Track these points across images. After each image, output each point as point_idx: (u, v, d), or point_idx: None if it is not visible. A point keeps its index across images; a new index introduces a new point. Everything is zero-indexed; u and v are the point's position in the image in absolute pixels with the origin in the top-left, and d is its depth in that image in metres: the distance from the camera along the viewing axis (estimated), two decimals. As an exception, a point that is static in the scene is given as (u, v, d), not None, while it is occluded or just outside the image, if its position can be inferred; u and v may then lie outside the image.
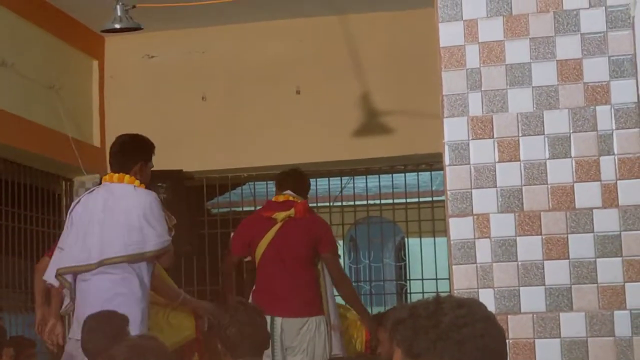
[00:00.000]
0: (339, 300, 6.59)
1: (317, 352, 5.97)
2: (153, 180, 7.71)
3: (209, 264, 8.50)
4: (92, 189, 5.45)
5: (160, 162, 7.85)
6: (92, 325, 4.68)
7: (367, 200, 8.93)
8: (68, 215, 5.23)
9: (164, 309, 5.94)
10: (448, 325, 2.06)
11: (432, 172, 8.38)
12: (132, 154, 5.26)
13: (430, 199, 8.95)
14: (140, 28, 6.22)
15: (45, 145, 7.24)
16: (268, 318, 5.88)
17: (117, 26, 6.11)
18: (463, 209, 3.14)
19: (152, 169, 5.44)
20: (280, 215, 6.11)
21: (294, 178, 6.41)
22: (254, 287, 6.24)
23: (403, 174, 8.66)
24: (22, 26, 7.06)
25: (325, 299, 6.13)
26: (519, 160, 3.13)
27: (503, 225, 3.10)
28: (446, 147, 3.17)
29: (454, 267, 3.12)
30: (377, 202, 9.18)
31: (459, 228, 3.13)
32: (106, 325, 4.58)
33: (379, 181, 8.80)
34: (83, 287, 5.05)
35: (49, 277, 5.14)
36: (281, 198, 6.26)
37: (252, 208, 9.34)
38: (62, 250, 5.14)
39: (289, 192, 6.27)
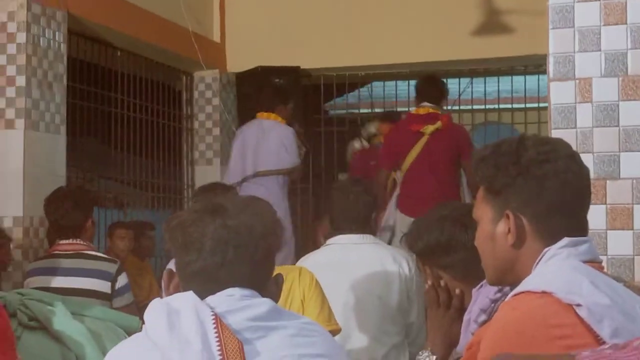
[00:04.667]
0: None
1: None
2: (269, 76, 7.81)
3: (325, 162, 8.56)
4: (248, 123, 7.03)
5: (278, 58, 7.94)
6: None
7: (485, 104, 8.79)
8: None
9: None
10: (529, 161, 2.02)
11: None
12: (278, 97, 6.95)
13: (550, 103, 8.72)
14: None
15: (165, 38, 7.30)
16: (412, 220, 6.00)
17: None
18: (565, 72, 3.06)
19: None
20: (429, 129, 6.36)
21: (431, 87, 6.61)
22: (398, 191, 6.44)
23: (523, 77, 8.47)
24: None
25: (462, 199, 6.34)
26: (625, 24, 3.03)
27: (606, 89, 3.02)
28: (550, 10, 3.09)
29: (553, 131, 3.05)
30: (496, 107, 9.03)
31: (560, 92, 3.06)
32: None
33: (498, 85, 8.63)
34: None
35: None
36: (422, 111, 6.50)
37: (369, 110, 9.33)
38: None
39: (426, 103, 6.49)
